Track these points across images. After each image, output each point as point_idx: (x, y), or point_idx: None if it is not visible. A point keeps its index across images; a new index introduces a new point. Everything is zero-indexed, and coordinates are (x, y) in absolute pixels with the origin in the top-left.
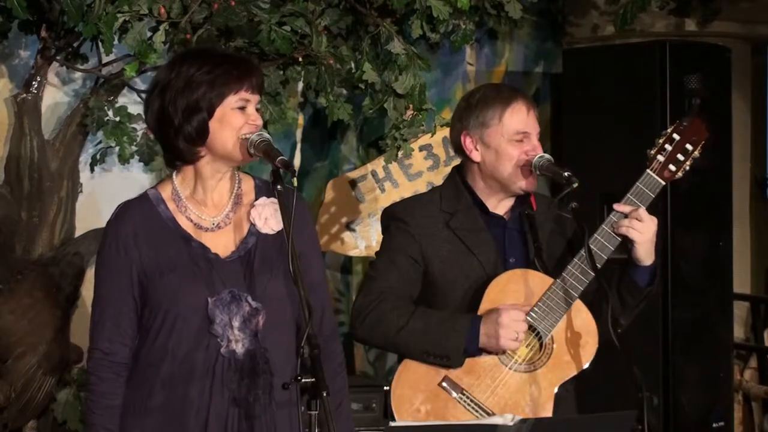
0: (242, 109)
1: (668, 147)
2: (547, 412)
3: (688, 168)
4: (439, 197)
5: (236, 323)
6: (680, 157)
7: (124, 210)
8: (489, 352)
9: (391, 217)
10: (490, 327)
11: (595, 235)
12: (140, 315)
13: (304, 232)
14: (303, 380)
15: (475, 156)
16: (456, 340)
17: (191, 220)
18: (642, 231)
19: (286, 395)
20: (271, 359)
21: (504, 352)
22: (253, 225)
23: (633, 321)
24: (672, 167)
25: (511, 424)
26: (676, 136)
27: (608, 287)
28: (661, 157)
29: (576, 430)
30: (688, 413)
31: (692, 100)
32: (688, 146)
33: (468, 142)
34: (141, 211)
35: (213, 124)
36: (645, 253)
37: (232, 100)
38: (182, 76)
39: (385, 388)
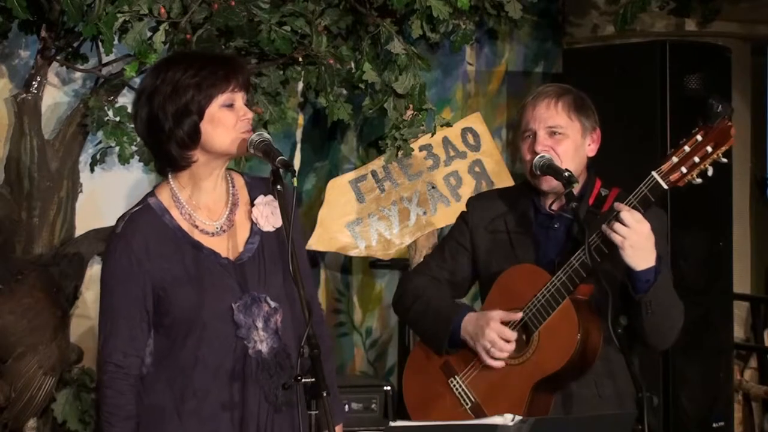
0: (230, 106)
1: (687, 148)
2: (520, 406)
3: (710, 173)
4: (511, 191)
5: (259, 324)
6: (696, 159)
7: (131, 222)
8: None
9: (465, 204)
10: (472, 327)
11: (594, 235)
12: (156, 325)
13: (296, 225)
14: (303, 380)
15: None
16: (442, 329)
17: (196, 226)
18: (625, 235)
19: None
20: (291, 354)
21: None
22: (254, 224)
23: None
24: (683, 169)
25: (511, 424)
26: (699, 138)
27: (610, 288)
28: (675, 158)
29: (576, 430)
30: (688, 413)
31: (719, 104)
32: (708, 149)
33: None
34: (148, 223)
35: (204, 126)
36: (631, 258)
37: (220, 100)
38: (168, 81)
39: (385, 388)
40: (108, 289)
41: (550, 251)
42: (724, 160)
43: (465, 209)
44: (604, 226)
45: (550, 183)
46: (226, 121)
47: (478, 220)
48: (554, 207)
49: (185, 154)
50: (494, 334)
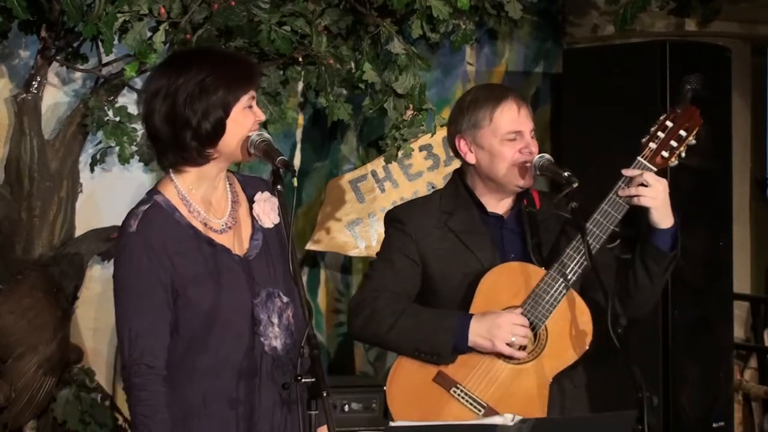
0: (250, 108)
1: (661, 134)
2: (542, 403)
3: (683, 155)
4: (438, 198)
5: (275, 320)
6: (673, 143)
7: (145, 219)
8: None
9: (389, 220)
10: (484, 327)
11: (594, 215)
12: (176, 324)
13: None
14: (303, 380)
15: (470, 158)
16: (445, 337)
17: (204, 224)
18: (652, 195)
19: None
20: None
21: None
22: (256, 221)
23: (633, 321)
24: (665, 153)
25: (511, 424)
26: (669, 124)
27: (609, 280)
28: (653, 145)
29: (576, 430)
30: (688, 413)
31: (685, 88)
32: (682, 132)
33: (462, 145)
34: (162, 220)
35: (228, 124)
36: (660, 217)
37: (244, 101)
38: (193, 81)
39: (385, 388)
40: (130, 289)
41: (510, 250)
42: (694, 141)
43: (396, 222)
44: (630, 199)
45: (529, 181)
46: (246, 123)
47: (417, 228)
48: (505, 215)
49: (204, 151)
50: (507, 318)
